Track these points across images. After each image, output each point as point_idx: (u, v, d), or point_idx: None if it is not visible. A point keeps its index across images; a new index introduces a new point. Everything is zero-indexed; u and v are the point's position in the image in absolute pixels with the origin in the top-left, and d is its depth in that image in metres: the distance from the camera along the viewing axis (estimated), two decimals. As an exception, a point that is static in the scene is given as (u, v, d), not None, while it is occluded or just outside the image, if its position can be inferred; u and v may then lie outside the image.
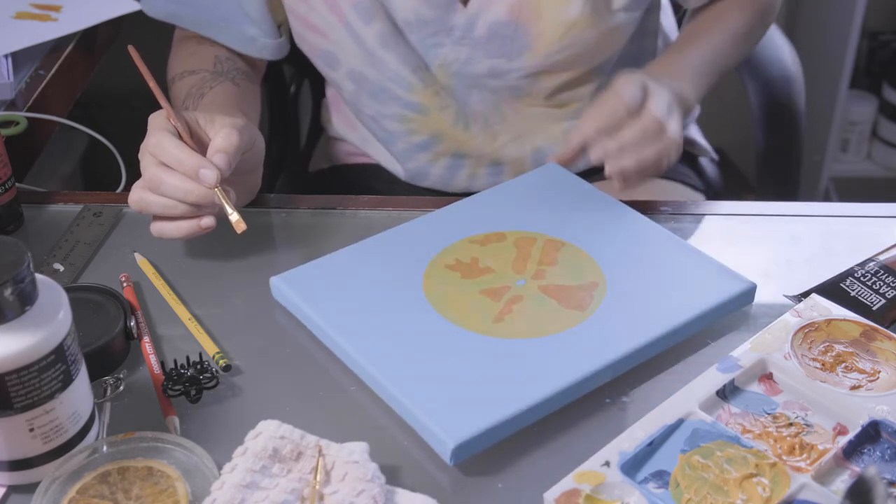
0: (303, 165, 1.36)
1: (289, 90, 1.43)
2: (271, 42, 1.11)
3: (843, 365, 0.76)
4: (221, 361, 0.79)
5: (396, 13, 1.04)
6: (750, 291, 0.83)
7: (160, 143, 0.86)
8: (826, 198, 2.21)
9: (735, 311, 0.83)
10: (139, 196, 0.87)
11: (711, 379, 0.75)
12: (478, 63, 1.06)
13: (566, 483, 0.67)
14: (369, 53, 1.07)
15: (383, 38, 1.05)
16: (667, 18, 1.25)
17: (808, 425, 0.72)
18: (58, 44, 1.26)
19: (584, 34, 1.04)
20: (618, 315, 0.80)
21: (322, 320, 0.81)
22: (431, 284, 0.84)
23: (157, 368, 0.78)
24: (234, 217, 0.85)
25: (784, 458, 0.69)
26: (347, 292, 0.84)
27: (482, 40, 1.04)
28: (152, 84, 0.91)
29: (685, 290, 0.82)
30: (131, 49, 0.91)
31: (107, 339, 0.78)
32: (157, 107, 0.89)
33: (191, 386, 0.76)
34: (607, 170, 0.91)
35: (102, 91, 1.02)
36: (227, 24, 1.09)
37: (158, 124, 0.88)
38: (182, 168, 0.85)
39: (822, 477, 0.68)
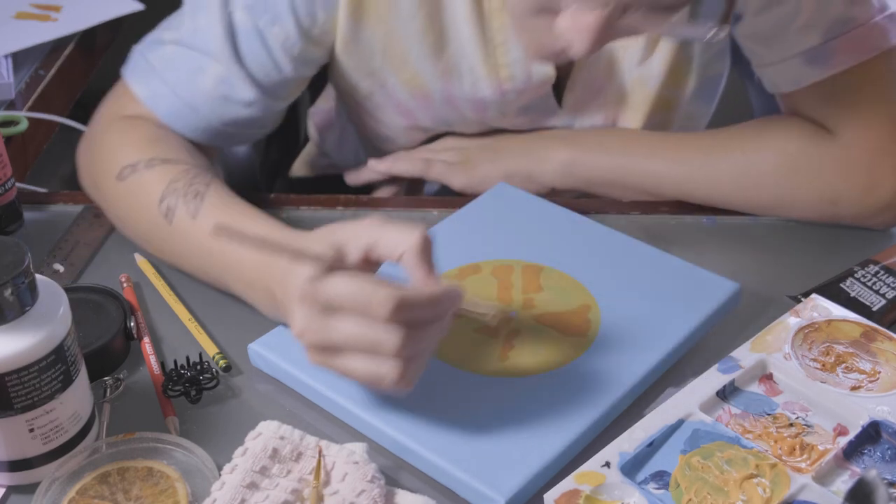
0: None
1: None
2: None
3: (843, 365, 0.76)
4: (221, 362, 0.79)
5: (492, 123, 1.02)
6: (736, 294, 0.82)
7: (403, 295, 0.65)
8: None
9: (724, 315, 0.82)
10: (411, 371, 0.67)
11: (711, 379, 0.74)
12: None
13: (566, 484, 0.67)
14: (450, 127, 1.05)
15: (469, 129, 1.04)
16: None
17: (808, 426, 0.72)
18: (58, 44, 1.26)
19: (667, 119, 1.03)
20: (620, 337, 0.78)
21: (319, 384, 0.75)
22: None
23: (156, 369, 0.78)
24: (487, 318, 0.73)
25: (784, 458, 0.69)
26: None
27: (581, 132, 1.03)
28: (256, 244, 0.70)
29: (678, 302, 0.81)
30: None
31: (107, 340, 0.78)
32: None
33: (191, 386, 0.76)
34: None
35: (102, 91, 1.02)
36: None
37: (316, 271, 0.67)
38: (436, 310, 0.68)
39: (823, 477, 0.68)
